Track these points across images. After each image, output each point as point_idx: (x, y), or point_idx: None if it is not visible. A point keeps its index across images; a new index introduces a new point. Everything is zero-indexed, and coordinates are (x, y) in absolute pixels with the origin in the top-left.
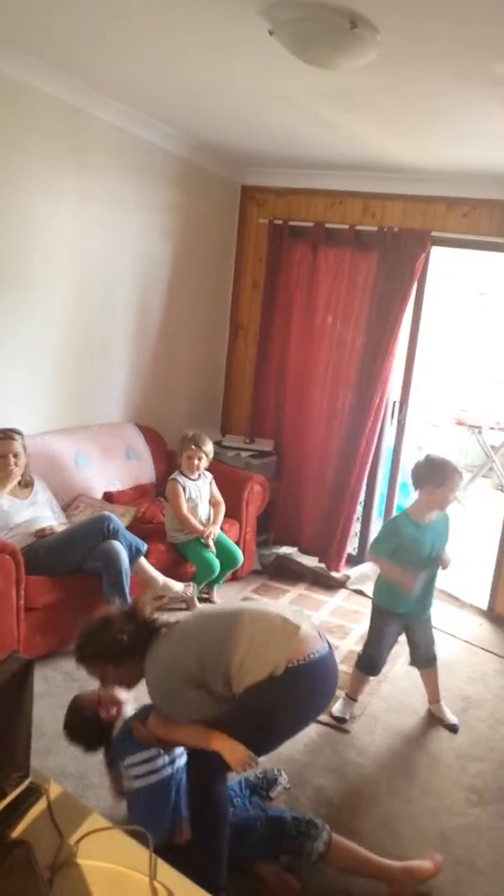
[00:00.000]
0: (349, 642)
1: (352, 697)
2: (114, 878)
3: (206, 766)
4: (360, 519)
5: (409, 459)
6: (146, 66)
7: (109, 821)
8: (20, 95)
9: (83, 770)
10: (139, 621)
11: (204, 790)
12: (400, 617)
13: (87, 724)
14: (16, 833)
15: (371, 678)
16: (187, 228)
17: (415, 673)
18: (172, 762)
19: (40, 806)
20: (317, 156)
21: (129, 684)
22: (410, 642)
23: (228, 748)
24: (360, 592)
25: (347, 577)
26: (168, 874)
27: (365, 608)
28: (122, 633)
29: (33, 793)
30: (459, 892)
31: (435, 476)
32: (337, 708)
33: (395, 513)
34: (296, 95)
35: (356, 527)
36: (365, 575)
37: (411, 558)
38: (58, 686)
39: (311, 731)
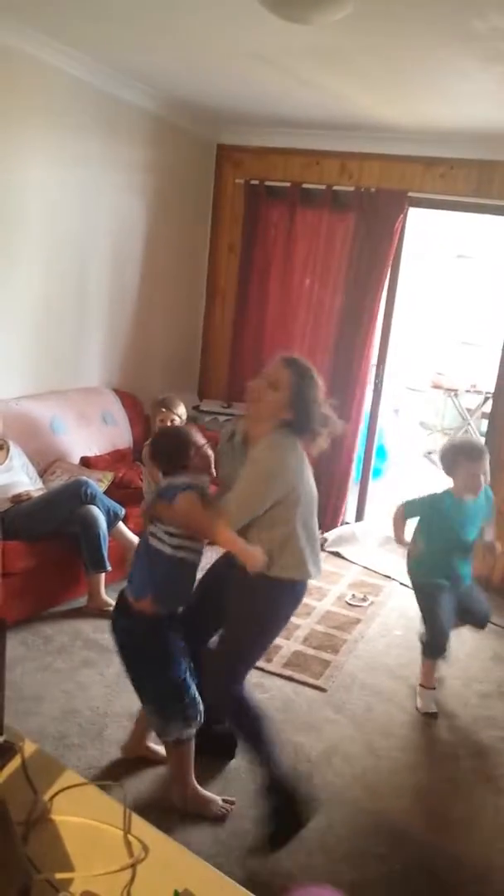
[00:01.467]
0: (326, 603)
1: (429, 687)
2: (88, 832)
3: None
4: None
5: (387, 423)
6: (115, 21)
7: (87, 777)
8: None
9: (63, 731)
10: None
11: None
12: (443, 588)
13: (182, 445)
14: None
15: (441, 661)
16: (162, 188)
17: (391, 634)
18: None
19: (15, 764)
20: (293, 114)
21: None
22: (464, 612)
23: (248, 552)
24: (338, 554)
25: (325, 540)
26: (142, 828)
27: (343, 570)
28: None
29: (7, 751)
30: (437, 841)
31: (451, 460)
32: (422, 704)
33: (371, 477)
34: (270, 53)
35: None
36: (342, 537)
37: (448, 534)
38: (37, 650)
39: (287, 690)
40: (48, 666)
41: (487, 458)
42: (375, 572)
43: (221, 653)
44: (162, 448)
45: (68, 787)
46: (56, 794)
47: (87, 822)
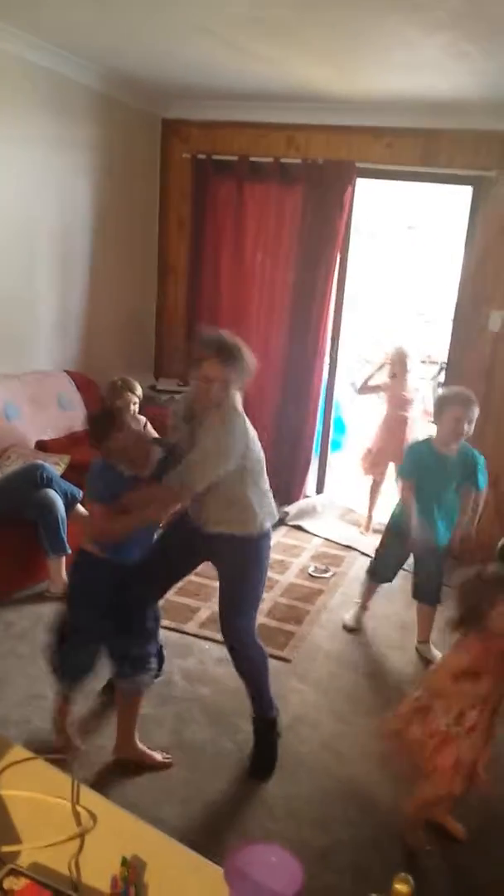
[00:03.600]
0: (289, 576)
1: (364, 606)
2: (37, 805)
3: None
4: None
5: (343, 396)
6: None
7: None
8: None
9: (27, 715)
10: None
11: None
12: (405, 537)
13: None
14: None
15: (379, 586)
16: (108, 166)
17: (353, 603)
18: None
19: None
20: (240, 87)
21: None
22: (416, 573)
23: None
24: (300, 528)
25: (286, 514)
26: (91, 798)
27: (305, 543)
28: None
29: None
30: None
31: (439, 406)
32: (350, 616)
33: (330, 451)
34: (214, 25)
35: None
36: (303, 511)
37: (425, 484)
38: None
39: None
40: (10, 651)
41: (476, 408)
42: (336, 543)
43: (223, 607)
44: (90, 428)
45: (16, 763)
46: (4, 769)
47: (35, 795)
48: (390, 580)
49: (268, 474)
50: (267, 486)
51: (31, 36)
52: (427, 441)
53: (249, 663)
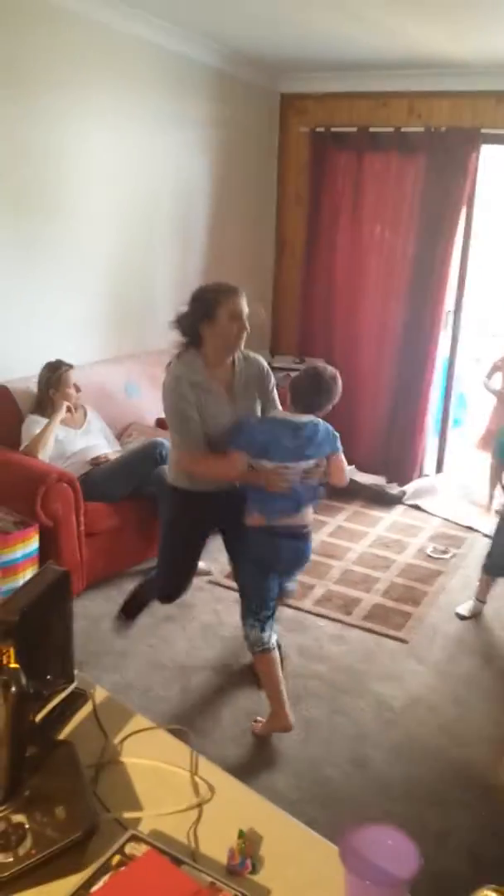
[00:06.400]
0: (407, 556)
1: (479, 599)
2: (156, 773)
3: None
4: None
5: (465, 371)
6: None
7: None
8: (43, 14)
9: (148, 684)
10: None
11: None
12: None
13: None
14: (62, 735)
15: (495, 580)
16: (227, 142)
17: (473, 585)
18: None
19: (86, 710)
20: (356, 56)
21: None
22: None
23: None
24: (418, 507)
25: (404, 493)
26: (208, 769)
27: (423, 523)
28: None
29: (78, 697)
30: None
31: None
32: (465, 607)
33: (450, 427)
34: None
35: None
36: (422, 489)
37: None
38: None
39: (368, 641)
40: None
41: None
42: (457, 524)
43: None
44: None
45: (138, 731)
46: (126, 738)
47: (155, 764)
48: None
49: (379, 449)
50: None
51: (148, 14)
52: None
53: None
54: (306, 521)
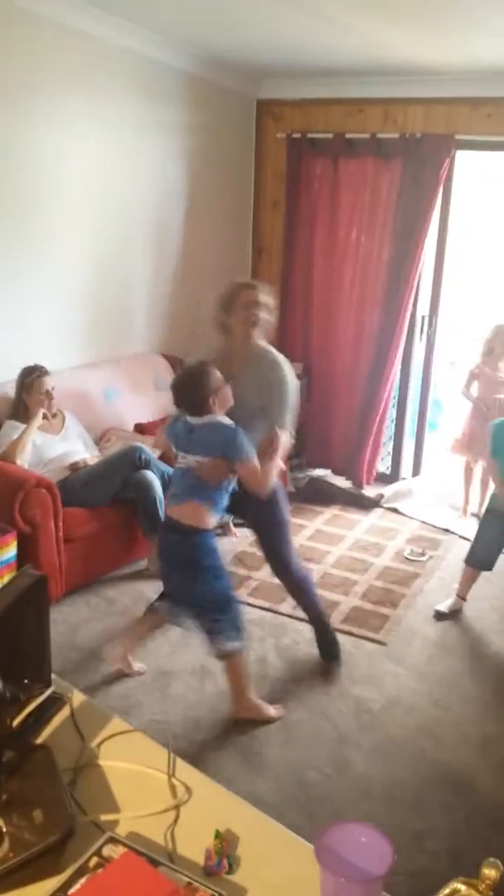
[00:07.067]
0: (385, 559)
1: (460, 596)
2: (134, 776)
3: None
4: (393, 437)
5: (442, 376)
6: None
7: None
8: (20, 21)
9: (127, 689)
10: None
11: None
12: (498, 513)
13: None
14: (39, 740)
15: (478, 573)
16: (203, 148)
17: (451, 587)
18: None
19: (64, 714)
20: (333, 63)
21: None
22: None
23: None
24: (395, 510)
25: (381, 496)
26: (186, 771)
27: (401, 525)
28: None
29: (56, 701)
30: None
31: None
32: (444, 605)
33: (427, 430)
34: None
35: (389, 446)
36: (399, 493)
37: None
38: (100, 611)
39: (346, 644)
40: (112, 627)
41: None
42: (434, 526)
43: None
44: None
45: (115, 735)
46: (103, 741)
47: (133, 766)
48: (490, 567)
49: (350, 453)
50: None
51: (125, 21)
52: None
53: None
54: (181, 516)
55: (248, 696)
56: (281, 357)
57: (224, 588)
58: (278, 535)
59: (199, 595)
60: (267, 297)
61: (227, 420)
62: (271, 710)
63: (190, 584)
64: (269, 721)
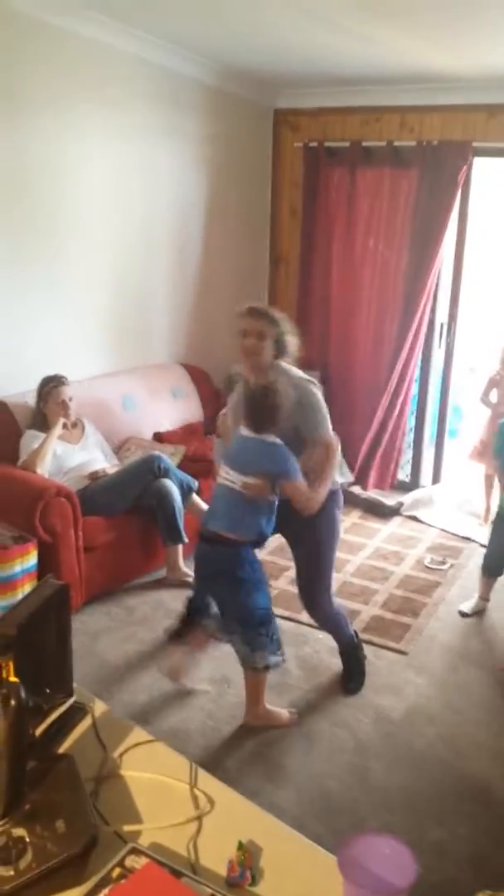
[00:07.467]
0: (405, 567)
1: (482, 597)
2: (156, 786)
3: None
4: (412, 445)
5: (461, 382)
6: None
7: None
8: (37, 33)
9: (148, 698)
10: None
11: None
12: None
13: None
14: (62, 749)
15: (495, 580)
16: (221, 159)
17: (472, 595)
18: None
19: (86, 723)
20: (349, 71)
21: None
22: None
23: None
24: (415, 518)
25: (401, 504)
26: (208, 782)
27: (421, 534)
28: None
29: (78, 711)
30: None
31: None
32: (468, 605)
33: (447, 437)
34: (318, 9)
35: (408, 454)
36: (419, 501)
37: None
38: (120, 620)
39: (367, 653)
40: (132, 636)
41: None
42: (454, 535)
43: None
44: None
45: (137, 745)
46: (125, 751)
47: (155, 777)
48: (499, 573)
49: (368, 460)
50: None
51: (143, 32)
52: None
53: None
54: (220, 530)
55: (263, 704)
56: (295, 372)
57: (267, 601)
58: (314, 562)
59: (243, 608)
60: (255, 322)
61: (275, 438)
62: (285, 716)
63: (233, 596)
64: (284, 727)
